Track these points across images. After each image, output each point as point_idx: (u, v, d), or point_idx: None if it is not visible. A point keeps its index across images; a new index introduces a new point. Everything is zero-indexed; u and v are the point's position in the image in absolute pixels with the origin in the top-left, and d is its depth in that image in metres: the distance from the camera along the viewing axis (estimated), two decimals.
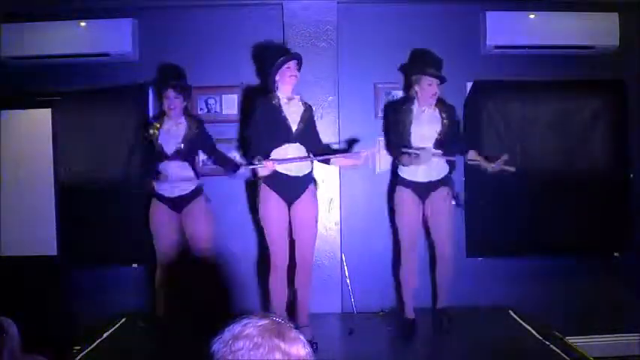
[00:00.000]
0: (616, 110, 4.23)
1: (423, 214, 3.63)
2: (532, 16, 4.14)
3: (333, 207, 4.12)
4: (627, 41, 4.18)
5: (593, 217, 4.16)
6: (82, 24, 4.11)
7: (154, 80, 4.12)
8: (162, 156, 3.66)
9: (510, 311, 3.93)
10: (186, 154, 3.67)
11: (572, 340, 3.61)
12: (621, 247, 4.22)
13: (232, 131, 4.19)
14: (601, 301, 4.26)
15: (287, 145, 3.34)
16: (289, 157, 3.32)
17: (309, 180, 3.44)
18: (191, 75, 3.90)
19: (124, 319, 3.88)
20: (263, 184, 3.36)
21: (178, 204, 3.68)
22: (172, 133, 3.68)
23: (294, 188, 3.36)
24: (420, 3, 4.25)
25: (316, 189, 3.57)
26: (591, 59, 4.26)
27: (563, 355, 3.12)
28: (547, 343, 3.31)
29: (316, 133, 3.54)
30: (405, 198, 3.59)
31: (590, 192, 4.17)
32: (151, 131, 3.70)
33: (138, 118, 4.11)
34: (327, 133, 4.00)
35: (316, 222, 3.48)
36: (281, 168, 3.30)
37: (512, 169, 3.54)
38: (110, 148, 4.13)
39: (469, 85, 4.23)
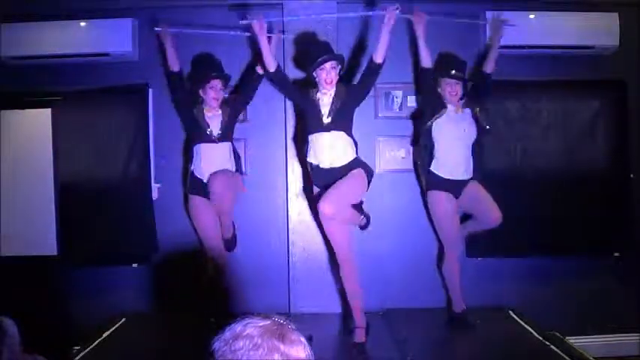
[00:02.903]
0: (616, 110, 4.23)
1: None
2: (532, 16, 4.14)
3: None
4: (627, 41, 4.18)
5: (593, 217, 4.16)
6: (82, 24, 4.10)
7: (192, 71, 4.08)
8: (207, 137, 3.66)
9: (510, 311, 3.94)
10: (225, 137, 3.71)
11: (572, 340, 3.61)
12: (621, 247, 4.22)
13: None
14: (601, 301, 4.26)
15: (321, 134, 3.38)
16: (324, 146, 3.36)
17: (349, 168, 3.36)
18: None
19: (123, 319, 3.88)
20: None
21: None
22: (213, 118, 3.70)
23: (329, 178, 3.34)
24: (421, 3, 4.24)
25: (361, 175, 3.38)
26: (591, 59, 4.26)
27: (563, 355, 3.12)
28: (547, 343, 3.31)
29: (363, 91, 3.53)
30: (442, 199, 3.63)
31: (591, 192, 4.17)
32: (196, 111, 3.69)
33: (138, 118, 4.11)
34: None
35: (348, 210, 3.37)
36: (314, 159, 3.41)
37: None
38: (110, 148, 4.13)
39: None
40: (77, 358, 3.19)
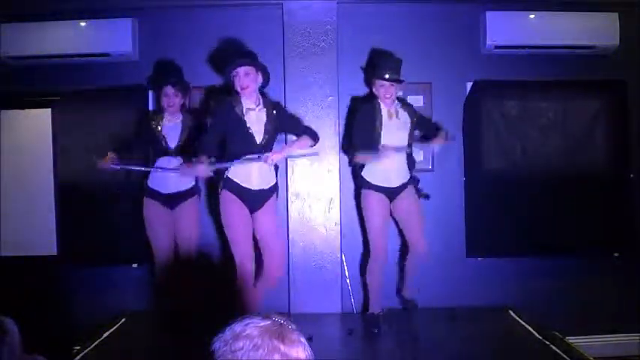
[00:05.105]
0: (616, 110, 4.23)
1: (392, 214, 3.66)
2: (532, 16, 4.14)
3: (333, 207, 4.12)
4: (627, 41, 4.18)
5: (593, 217, 4.17)
6: (82, 24, 4.11)
7: (151, 77, 4.14)
8: (163, 150, 3.67)
9: (510, 311, 3.94)
10: (184, 150, 3.68)
11: (572, 340, 3.61)
12: (621, 247, 4.22)
13: None
14: (601, 301, 4.25)
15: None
16: (252, 166, 3.23)
17: (272, 191, 3.38)
18: (191, 75, 3.91)
19: (123, 319, 3.88)
20: (224, 190, 3.25)
21: (173, 201, 3.69)
22: (172, 128, 3.70)
23: (257, 200, 3.30)
24: (420, 3, 4.25)
25: (276, 201, 3.51)
26: (591, 59, 4.26)
27: (563, 355, 3.12)
28: (547, 343, 3.31)
29: (297, 126, 3.52)
30: (374, 200, 3.56)
31: (591, 192, 4.17)
32: (154, 123, 3.70)
33: (138, 118, 4.12)
34: (327, 133, 4.01)
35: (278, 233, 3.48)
36: (241, 180, 3.24)
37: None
38: (110, 148, 4.12)
39: (469, 85, 4.24)
40: (77, 358, 3.19)
